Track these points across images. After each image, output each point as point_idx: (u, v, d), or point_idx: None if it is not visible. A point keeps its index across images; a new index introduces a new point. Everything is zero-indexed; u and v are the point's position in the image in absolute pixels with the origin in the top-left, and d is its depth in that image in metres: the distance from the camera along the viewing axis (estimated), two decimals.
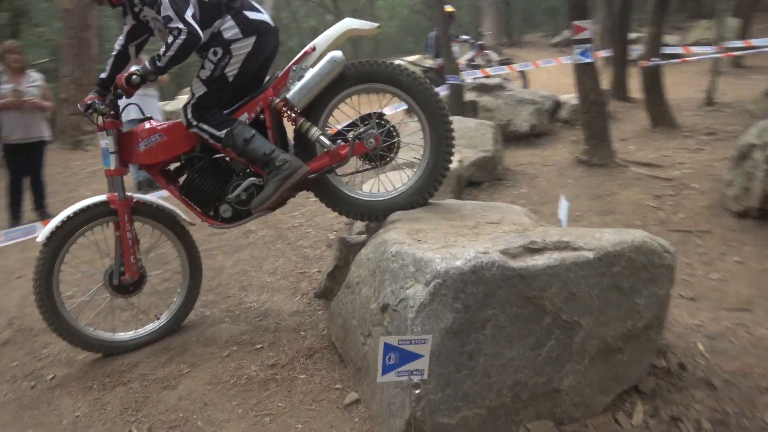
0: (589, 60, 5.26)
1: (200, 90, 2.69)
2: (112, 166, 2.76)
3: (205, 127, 2.68)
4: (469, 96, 7.41)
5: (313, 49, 2.70)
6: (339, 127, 2.80)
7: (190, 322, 3.16)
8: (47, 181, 5.98)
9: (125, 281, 2.84)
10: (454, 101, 7.20)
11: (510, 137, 6.93)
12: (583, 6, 5.32)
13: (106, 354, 2.90)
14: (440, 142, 2.69)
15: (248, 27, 2.68)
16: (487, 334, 1.92)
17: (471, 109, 7.23)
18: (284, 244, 4.32)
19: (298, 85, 2.62)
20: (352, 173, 2.85)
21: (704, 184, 4.65)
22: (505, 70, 8.59)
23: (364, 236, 3.02)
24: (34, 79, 5.70)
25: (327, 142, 2.66)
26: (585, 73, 5.34)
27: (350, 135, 2.71)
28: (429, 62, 9.53)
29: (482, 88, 7.55)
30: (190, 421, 2.31)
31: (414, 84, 2.65)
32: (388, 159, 2.76)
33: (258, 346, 2.82)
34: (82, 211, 2.75)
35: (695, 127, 6.68)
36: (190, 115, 2.70)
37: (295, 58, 2.73)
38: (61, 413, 2.49)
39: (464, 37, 9.70)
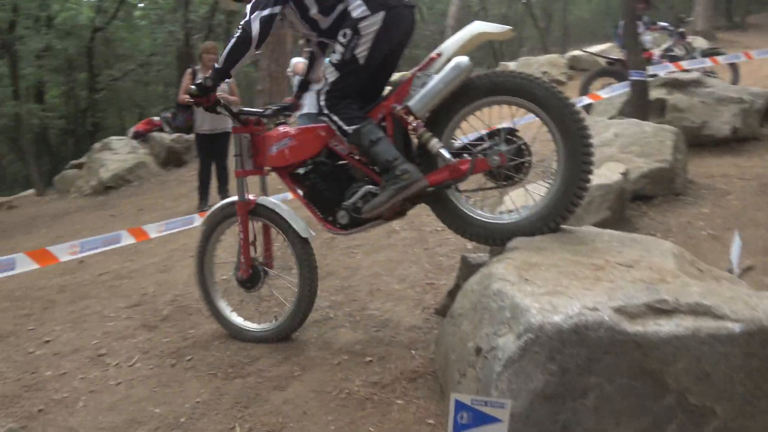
0: None
1: (332, 75, 2.65)
2: (236, 167, 2.98)
3: (335, 118, 2.65)
4: (657, 93, 6.51)
5: (439, 55, 2.55)
6: (465, 140, 2.63)
7: (314, 321, 3.24)
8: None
9: (239, 278, 3.04)
10: (637, 99, 6.38)
11: (703, 142, 5.95)
12: None
13: (233, 336, 3.15)
14: (576, 164, 2.35)
15: (375, 3, 2.54)
16: (588, 404, 1.62)
17: (657, 109, 6.34)
18: (422, 248, 4.24)
19: (421, 92, 2.50)
20: (473, 190, 2.65)
21: None
22: (707, 62, 7.37)
23: (486, 257, 2.80)
24: None
25: (447, 155, 2.50)
26: None
27: (475, 150, 2.52)
28: (617, 53, 8.59)
29: (674, 84, 6.56)
30: (286, 429, 2.36)
31: (550, 97, 2.35)
32: (515, 179, 2.51)
33: (367, 359, 2.79)
34: (221, 209, 3.06)
35: None
36: (323, 102, 2.69)
37: (420, 65, 2.61)
38: (187, 396, 2.71)
39: (662, 24, 8.56)
